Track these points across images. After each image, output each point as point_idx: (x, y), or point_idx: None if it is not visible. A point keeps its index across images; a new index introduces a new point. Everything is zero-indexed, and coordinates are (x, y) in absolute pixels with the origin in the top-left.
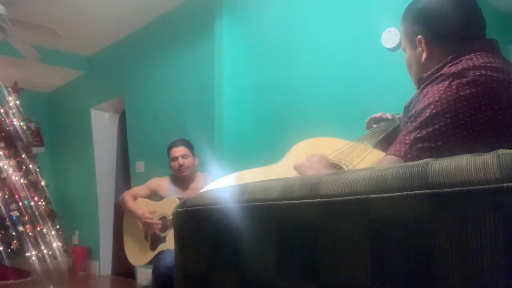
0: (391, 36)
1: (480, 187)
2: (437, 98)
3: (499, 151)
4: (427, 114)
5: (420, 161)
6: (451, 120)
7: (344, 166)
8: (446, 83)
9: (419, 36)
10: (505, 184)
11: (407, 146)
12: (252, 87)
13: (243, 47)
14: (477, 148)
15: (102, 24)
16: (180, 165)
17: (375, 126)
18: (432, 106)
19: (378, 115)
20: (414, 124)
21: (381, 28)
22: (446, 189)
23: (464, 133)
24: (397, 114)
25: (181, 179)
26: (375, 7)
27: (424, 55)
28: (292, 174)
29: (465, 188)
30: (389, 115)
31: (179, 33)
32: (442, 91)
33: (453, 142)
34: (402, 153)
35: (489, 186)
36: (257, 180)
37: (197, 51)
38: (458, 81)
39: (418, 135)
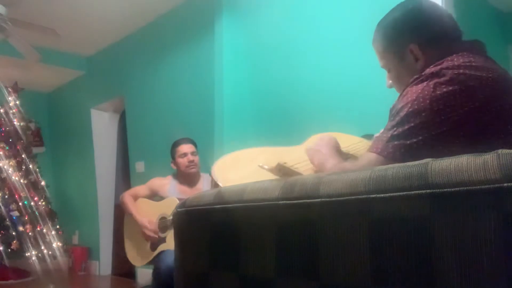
0: None
1: (480, 187)
2: (414, 97)
3: (499, 151)
4: (404, 112)
5: (420, 161)
6: (427, 118)
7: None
8: (425, 83)
9: (412, 45)
10: (505, 184)
11: (383, 143)
12: (252, 87)
13: (243, 47)
14: (452, 146)
15: (102, 24)
16: (190, 161)
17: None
18: (409, 105)
19: None
20: (392, 122)
21: None
22: (446, 189)
23: (439, 130)
24: None
25: (187, 177)
26: (375, 7)
27: (420, 63)
28: (305, 158)
29: (465, 188)
30: None
31: (179, 33)
32: (420, 91)
33: (428, 140)
34: (379, 150)
35: (489, 186)
36: (279, 154)
37: (197, 51)
38: (436, 80)
39: (395, 133)
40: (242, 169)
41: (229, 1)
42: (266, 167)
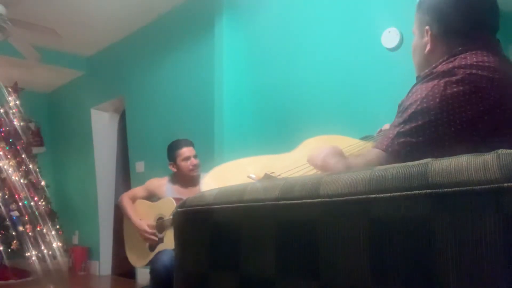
0: (391, 36)
1: (480, 187)
2: (424, 95)
3: (499, 151)
4: (413, 109)
5: (420, 161)
6: (435, 117)
7: None
8: (436, 81)
9: (427, 27)
10: (505, 184)
11: (389, 139)
12: (252, 87)
13: (243, 47)
14: (459, 146)
15: (102, 24)
16: (194, 165)
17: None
18: (418, 103)
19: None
20: (399, 119)
21: (381, 28)
22: (446, 189)
23: (447, 130)
24: None
25: (190, 179)
26: (375, 7)
27: (428, 47)
28: (299, 163)
29: (465, 188)
30: None
31: (179, 33)
32: (430, 89)
33: (435, 139)
34: (384, 146)
35: (489, 186)
36: (269, 163)
37: (197, 51)
38: (447, 79)
39: (401, 130)
40: (232, 181)
41: (229, 1)
42: (253, 176)
